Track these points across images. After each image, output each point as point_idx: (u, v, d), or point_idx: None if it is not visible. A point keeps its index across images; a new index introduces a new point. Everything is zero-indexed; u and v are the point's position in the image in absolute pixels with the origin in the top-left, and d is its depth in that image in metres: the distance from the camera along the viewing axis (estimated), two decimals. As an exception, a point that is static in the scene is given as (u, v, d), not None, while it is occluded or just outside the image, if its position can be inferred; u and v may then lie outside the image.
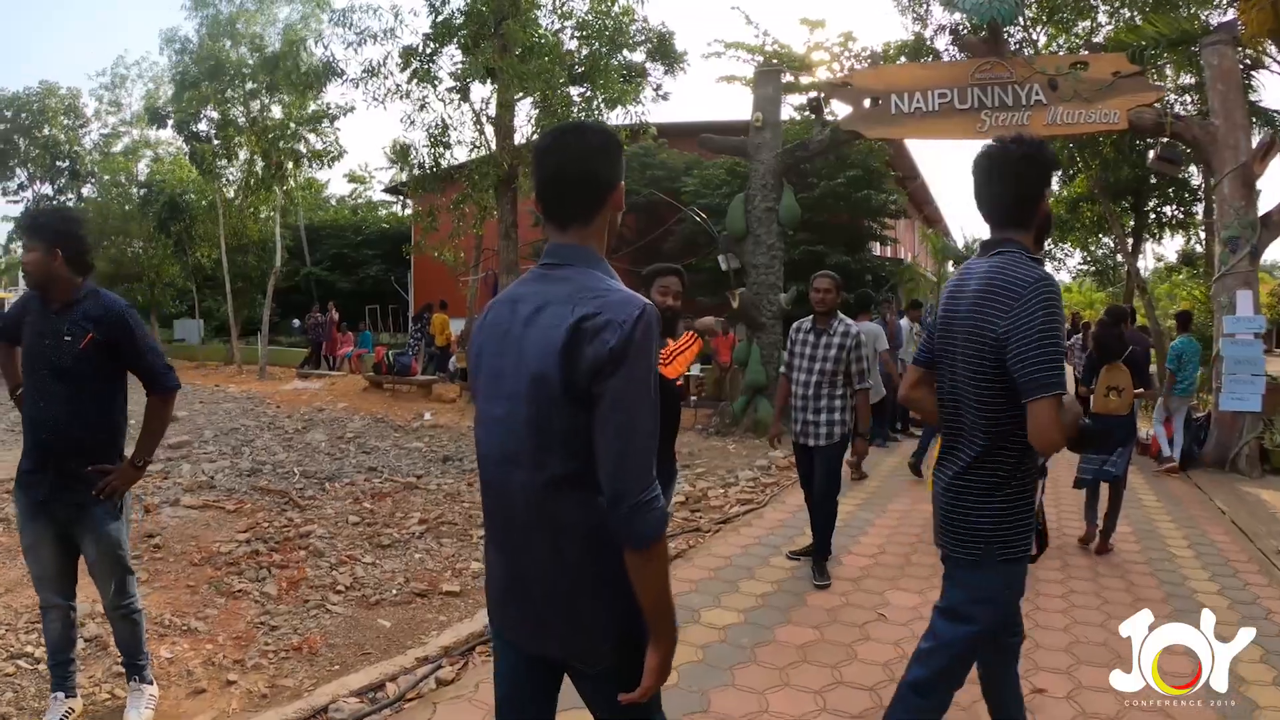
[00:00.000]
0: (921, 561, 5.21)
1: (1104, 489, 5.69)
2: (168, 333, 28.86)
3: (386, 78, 11.44)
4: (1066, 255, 27.93)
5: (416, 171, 12.11)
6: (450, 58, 12.13)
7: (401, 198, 20.00)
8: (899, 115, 9.55)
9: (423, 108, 11.73)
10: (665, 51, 14.59)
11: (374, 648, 4.04)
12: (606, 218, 1.69)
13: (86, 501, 3.04)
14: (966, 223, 72.00)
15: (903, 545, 5.58)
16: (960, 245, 27.26)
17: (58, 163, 25.79)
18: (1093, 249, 26.91)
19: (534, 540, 1.62)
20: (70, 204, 25.36)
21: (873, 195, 15.79)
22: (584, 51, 13.11)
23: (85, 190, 25.17)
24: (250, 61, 17.24)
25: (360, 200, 38.73)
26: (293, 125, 18.01)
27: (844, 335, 4.79)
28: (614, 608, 1.60)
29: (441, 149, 11.94)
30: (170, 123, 17.58)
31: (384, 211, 35.75)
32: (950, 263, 26.71)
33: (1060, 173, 23.24)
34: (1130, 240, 20.16)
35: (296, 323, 25.43)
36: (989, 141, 2.25)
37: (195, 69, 16.91)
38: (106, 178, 23.87)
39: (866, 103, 9.70)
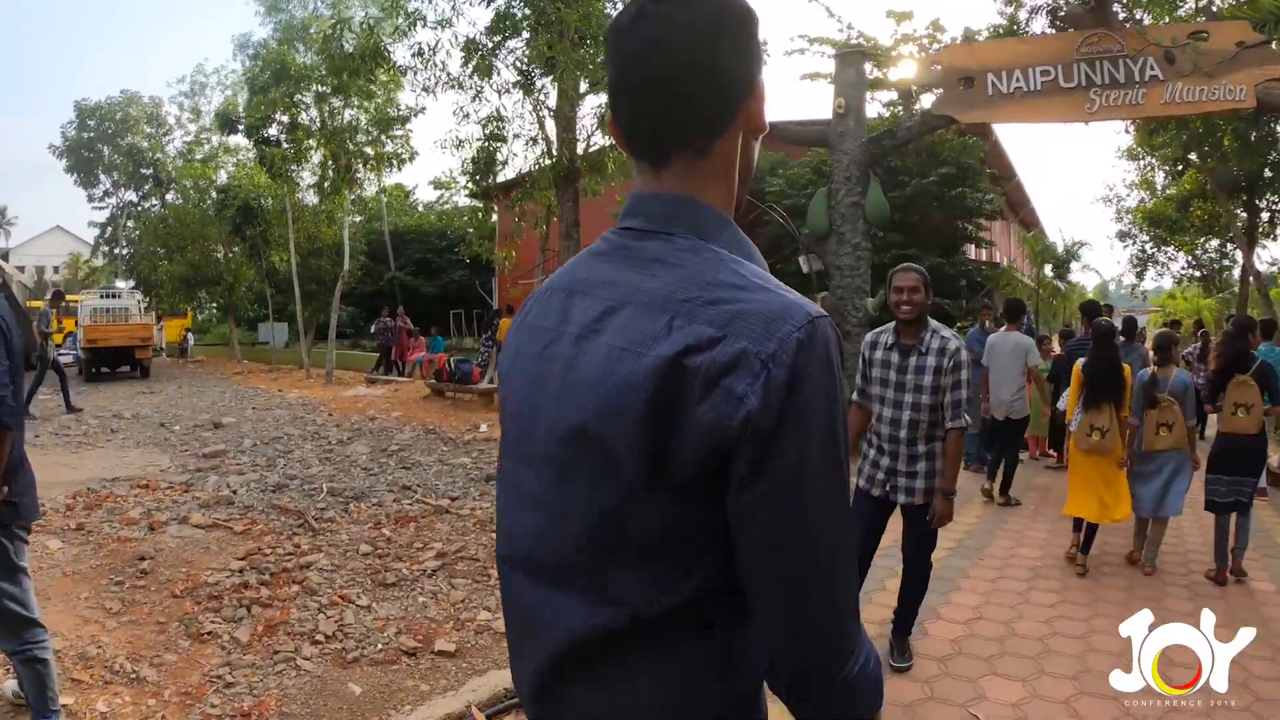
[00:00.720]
0: (1027, 633, 4.14)
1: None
2: (252, 335, 29.40)
3: (440, 67, 10.86)
4: (1170, 259, 25.93)
5: (470, 167, 11.52)
6: (511, 51, 11.53)
7: (502, 203, 19.60)
8: (996, 96, 8.43)
9: (476, 97, 11.13)
10: (742, 41, 13.66)
11: (333, 723, 3.30)
12: (735, 145, 0.98)
13: None
14: (1065, 224, 68.37)
15: (1003, 607, 4.51)
16: (1060, 248, 25.40)
17: (141, 170, 26.49)
18: (1197, 252, 24.90)
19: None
20: (154, 210, 26.00)
21: (967, 194, 14.66)
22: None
23: (169, 196, 25.74)
24: (323, 69, 17.12)
25: (447, 205, 38.96)
26: (370, 128, 17.78)
27: (940, 354, 3.49)
28: None
29: (498, 143, 11.29)
30: (241, 128, 17.53)
31: (469, 217, 35.70)
32: (1049, 266, 25.00)
33: (1169, 166, 21.60)
34: (1245, 240, 18.29)
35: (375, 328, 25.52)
36: None
37: (264, 74, 16.86)
38: (188, 184, 24.35)
39: (961, 85, 8.62)
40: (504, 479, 1.06)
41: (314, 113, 17.58)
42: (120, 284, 24.52)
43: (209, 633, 4.17)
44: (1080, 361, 5.54)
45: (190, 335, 28.67)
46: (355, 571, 5.11)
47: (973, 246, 17.62)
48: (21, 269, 46.62)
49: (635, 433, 0.84)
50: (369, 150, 17.91)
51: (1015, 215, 28.70)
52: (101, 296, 20.18)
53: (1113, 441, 5.15)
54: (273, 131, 17.54)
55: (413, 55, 10.44)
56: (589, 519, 0.90)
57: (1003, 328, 9.45)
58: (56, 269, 44.20)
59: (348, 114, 17.86)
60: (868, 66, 10.64)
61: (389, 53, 11.03)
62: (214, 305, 29.51)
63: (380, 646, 4.01)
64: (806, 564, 0.84)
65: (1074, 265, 25.77)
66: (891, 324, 3.68)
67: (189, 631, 4.19)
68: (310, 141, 17.60)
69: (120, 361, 18.58)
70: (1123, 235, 25.88)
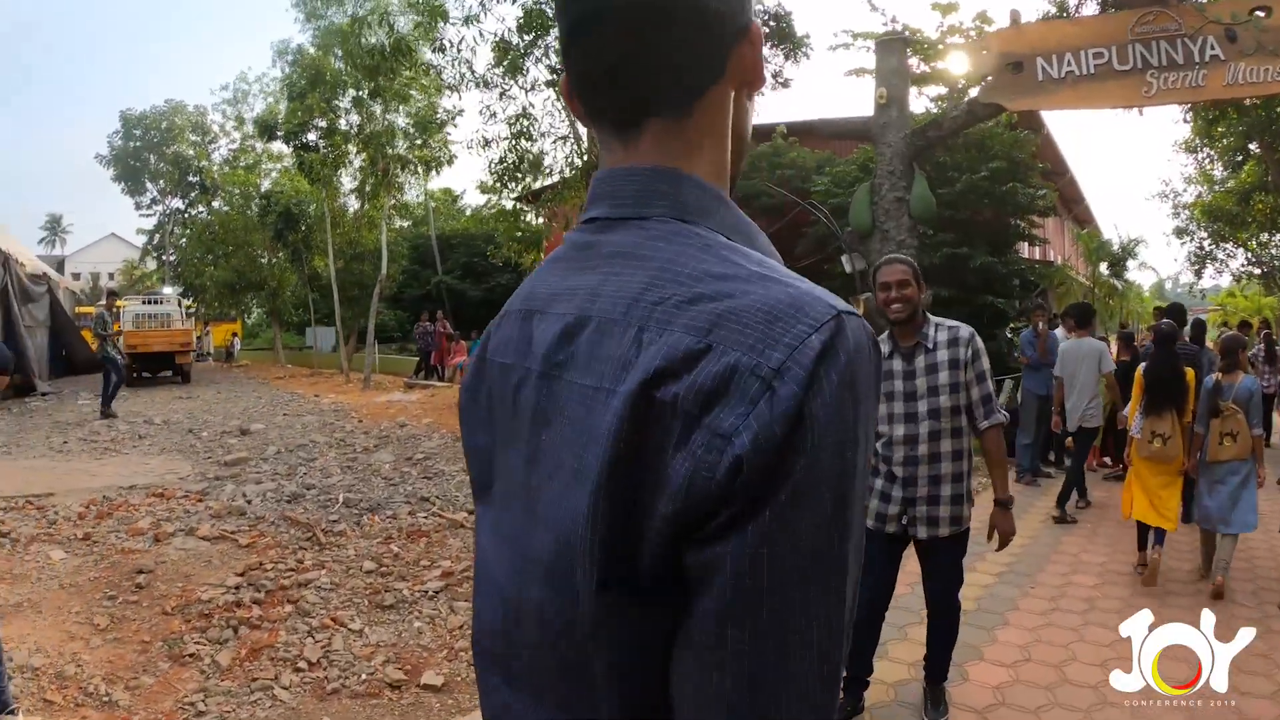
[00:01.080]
0: (1081, 679, 3.64)
1: None
2: (299, 339, 29.70)
3: (466, 64, 10.61)
4: (1229, 256, 24.83)
5: (498, 167, 11.26)
6: (543, 48, 11.27)
7: (532, 205, 19.53)
8: (1047, 82, 7.92)
9: (502, 95, 10.85)
10: (783, 34, 13.30)
11: (299, 766, 3.01)
12: (726, 102, 0.76)
13: None
14: (1120, 220, 66.36)
15: (1055, 646, 4.01)
16: (1116, 246, 24.49)
17: (188, 177, 26.89)
18: (1256, 248, 23.85)
19: None
20: (201, 216, 26.38)
21: (1019, 189, 14.00)
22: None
23: (215, 203, 26.11)
24: (357, 72, 17.10)
25: (494, 209, 38.96)
26: (410, 130, 17.70)
27: (953, 345, 2.98)
28: None
29: (526, 141, 11.01)
30: (280, 134, 17.58)
31: (499, 219, 35.72)
32: (1104, 265, 24.14)
33: (1227, 158, 20.67)
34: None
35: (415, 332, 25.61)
36: None
37: (301, 80, 16.89)
38: (235, 190, 24.65)
39: (1009, 71, 8.12)
40: (480, 551, 0.83)
41: (354, 117, 17.56)
42: (167, 290, 24.90)
43: (191, 655, 3.97)
44: (1142, 366, 5.27)
45: (237, 340, 29.05)
46: (354, 591, 4.85)
47: (1025, 244, 16.93)
48: (77, 276, 48.00)
49: (591, 508, 0.61)
50: (406, 154, 17.84)
51: (1069, 212, 27.76)
52: (144, 302, 20.45)
53: (1174, 448, 4.88)
54: (311, 137, 17.57)
55: (433, 50, 10.20)
56: (546, 621, 0.68)
57: (1056, 329, 8.93)
58: (112, 275, 45.52)
59: (386, 118, 17.84)
60: (915, 61, 10.18)
61: (411, 48, 10.84)
62: (262, 310, 29.91)
63: (364, 677, 3.72)
64: (774, 682, 0.58)
65: (1130, 263, 24.84)
66: (884, 332, 3.17)
67: (171, 652, 4.00)
68: (349, 146, 17.59)
69: (162, 366, 18.77)
70: (1180, 232, 24.97)
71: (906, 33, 13.92)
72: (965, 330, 3.04)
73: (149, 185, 28.09)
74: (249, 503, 6.94)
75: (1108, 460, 8.92)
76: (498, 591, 0.77)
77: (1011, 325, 14.58)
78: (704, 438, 0.57)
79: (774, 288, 0.61)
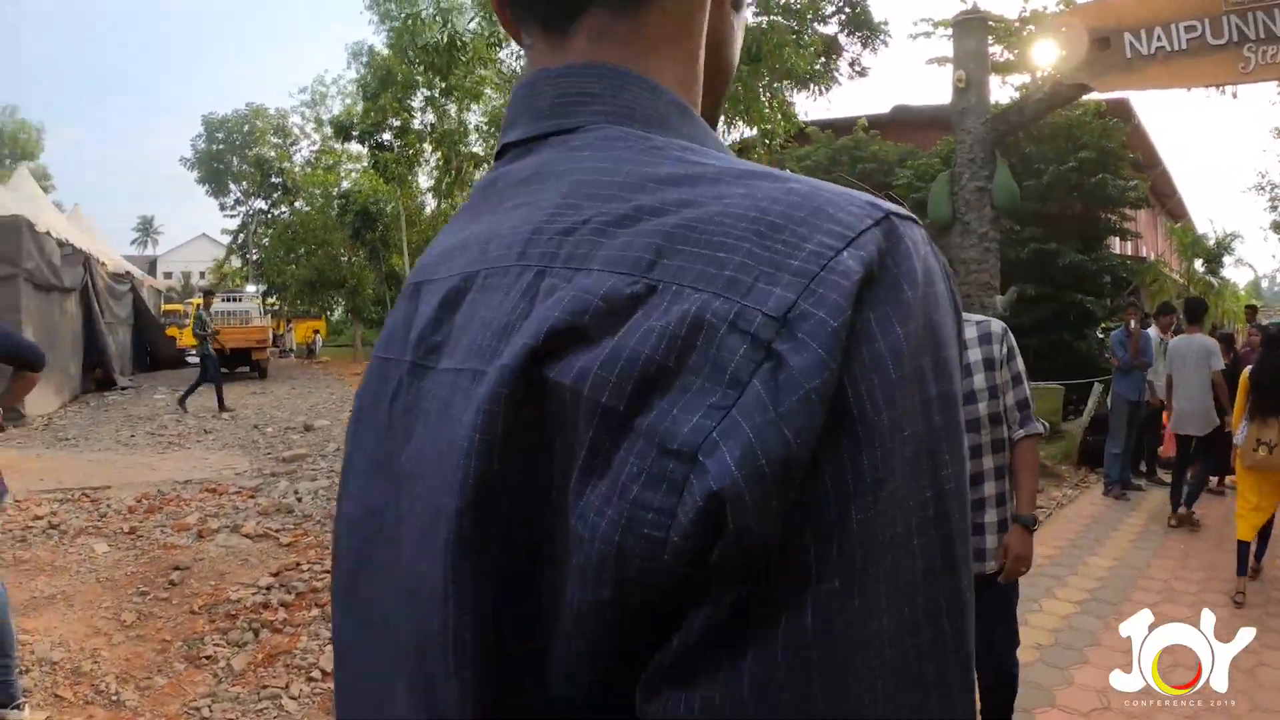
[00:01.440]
0: None
1: None
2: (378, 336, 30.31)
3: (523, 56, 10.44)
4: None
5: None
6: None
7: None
8: (1136, 59, 7.31)
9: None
10: (860, 21, 12.82)
11: (292, 786, 2.84)
12: (698, 6, 0.52)
13: None
14: (1216, 214, 62.84)
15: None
16: (1211, 241, 23.08)
17: (270, 179, 27.74)
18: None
19: None
20: (283, 216, 27.17)
21: (1109, 180, 13.20)
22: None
23: (298, 204, 26.87)
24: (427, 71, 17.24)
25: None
26: (485, 127, 17.77)
27: (984, 342, 2.54)
28: None
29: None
30: (355, 134, 17.89)
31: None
32: (1199, 261, 22.80)
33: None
34: None
35: None
36: None
37: (374, 81, 17.16)
38: (315, 191, 25.29)
39: (1095, 48, 7.54)
40: (336, 644, 0.57)
41: (430, 116, 17.72)
42: (250, 288, 25.70)
43: (208, 656, 3.91)
44: (1248, 369, 4.91)
45: (318, 336, 29.79)
46: (383, 594, 4.69)
47: (1116, 240, 16.02)
48: (169, 275, 50.28)
49: (447, 579, 0.38)
50: (480, 153, 17.92)
51: (1162, 206, 26.27)
52: (224, 300, 21.08)
53: None
54: (386, 137, 17.80)
55: (489, 44, 10.11)
56: None
57: (1149, 329, 8.39)
58: (203, 274, 47.88)
59: (459, 116, 17.96)
60: (997, 50, 9.64)
61: (466, 44, 10.75)
62: (344, 308, 30.73)
63: (374, 689, 3.53)
64: None
65: (1226, 260, 23.37)
66: None
67: (189, 653, 3.95)
68: (424, 145, 17.75)
69: (239, 362, 19.28)
70: (1278, 226, 23.41)
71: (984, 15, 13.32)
72: (998, 325, 2.60)
73: (232, 187, 29.17)
74: (299, 500, 6.91)
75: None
76: (364, 685, 0.51)
77: (1102, 325, 13.77)
78: (640, 457, 0.32)
79: (763, 184, 0.38)
